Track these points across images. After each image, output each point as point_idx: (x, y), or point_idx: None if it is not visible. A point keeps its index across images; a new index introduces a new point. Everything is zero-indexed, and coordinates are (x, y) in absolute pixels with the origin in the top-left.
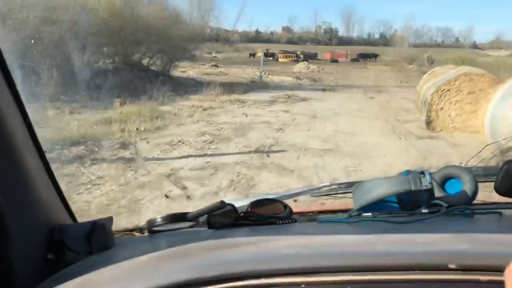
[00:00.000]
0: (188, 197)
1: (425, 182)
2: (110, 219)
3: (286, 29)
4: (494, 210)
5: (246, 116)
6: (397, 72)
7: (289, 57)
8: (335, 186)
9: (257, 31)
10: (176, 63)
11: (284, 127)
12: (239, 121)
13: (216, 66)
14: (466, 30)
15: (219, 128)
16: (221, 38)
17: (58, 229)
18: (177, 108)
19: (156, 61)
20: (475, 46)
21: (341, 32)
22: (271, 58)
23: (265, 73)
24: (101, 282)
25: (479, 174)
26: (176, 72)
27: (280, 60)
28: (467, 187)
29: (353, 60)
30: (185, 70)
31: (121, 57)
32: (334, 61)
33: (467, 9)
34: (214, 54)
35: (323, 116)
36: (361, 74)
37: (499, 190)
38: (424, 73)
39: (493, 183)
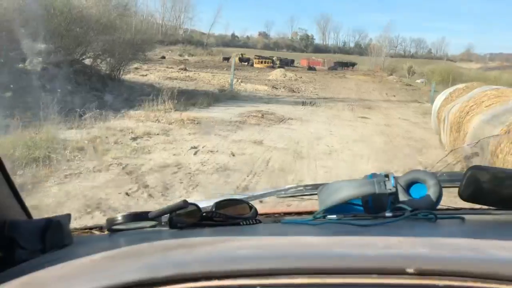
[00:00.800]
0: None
1: (389, 186)
2: (67, 216)
3: (263, 34)
4: (457, 215)
5: (195, 153)
6: (379, 83)
7: (265, 62)
8: (301, 188)
9: (233, 35)
10: (133, 65)
11: (252, 180)
12: (179, 163)
13: (185, 69)
14: (439, 42)
15: (134, 189)
16: (194, 40)
17: (8, 225)
18: (92, 134)
19: (101, 62)
20: (447, 58)
21: (317, 40)
22: (246, 63)
23: (237, 80)
24: (45, 282)
25: (444, 179)
26: (133, 76)
27: (255, 65)
28: (431, 192)
29: (331, 68)
30: (145, 73)
31: (54, 56)
32: (311, 68)
33: (440, 22)
34: (186, 57)
35: (310, 154)
36: (341, 85)
37: (462, 196)
38: (407, 85)
39: (457, 188)
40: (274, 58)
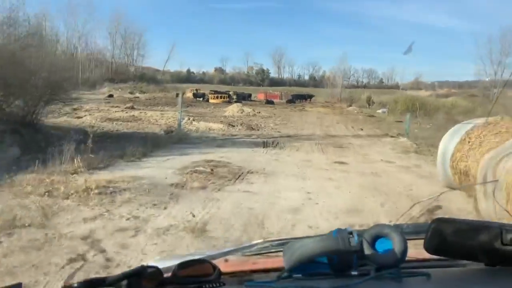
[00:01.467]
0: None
1: (353, 243)
2: (19, 285)
3: (219, 70)
4: (423, 271)
5: (72, 273)
6: (340, 115)
7: (221, 97)
8: (267, 244)
9: (188, 71)
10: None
11: None
12: None
13: (132, 108)
14: (389, 71)
15: None
16: (147, 77)
17: None
18: None
19: (12, 103)
20: (397, 87)
21: (273, 73)
22: (201, 99)
23: (189, 119)
24: None
25: (409, 232)
26: (65, 119)
27: (211, 101)
28: (397, 247)
29: (289, 101)
30: (84, 114)
31: None
32: (269, 102)
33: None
34: (137, 94)
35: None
36: (303, 118)
37: (428, 249)
38: (370, 116)
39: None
40: (230, 93)
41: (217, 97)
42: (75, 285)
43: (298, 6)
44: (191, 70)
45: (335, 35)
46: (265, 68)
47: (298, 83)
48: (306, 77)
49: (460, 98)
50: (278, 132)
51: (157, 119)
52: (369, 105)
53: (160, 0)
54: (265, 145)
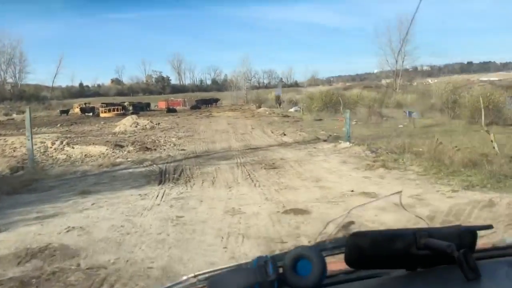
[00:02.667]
0: None
1: (270, 271)
2: None
3: (116, 81)
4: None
5: None
6: (252, 118)
7: (114, 110)
8: (193, 281)
9: (81, 85)
10: None
11: None
12: None
13: None
14: (288, 71)
15: None
16: (28, 95)
17: None
18: None
19: None
20: (297, 85)
21: (173, 80)
22: (90, 114)
23: (61, 142)
24: None
25: (327, 249)
26: None
27: (102, 115)
28: (316, 268)
29: (193, 107)
30: None
31: None
32: (171, 110)
33: (286, 54)
34: (14, 115)
35: None
36: (212, 127)
37: (349, 263)
38: (284, 116)
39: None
40: (125, 104)
41: (109, 110)
42: None
43: (193, 12)
44: (85, 84)
45: (232, 39)
46: (164, 76)
47: (201, 88)
48: (209, 82)
49: (361, 90)
50: (183, 150)
51: (16, 147)
52: (279, 104)
53: (41, 15)
54: (162, 178)
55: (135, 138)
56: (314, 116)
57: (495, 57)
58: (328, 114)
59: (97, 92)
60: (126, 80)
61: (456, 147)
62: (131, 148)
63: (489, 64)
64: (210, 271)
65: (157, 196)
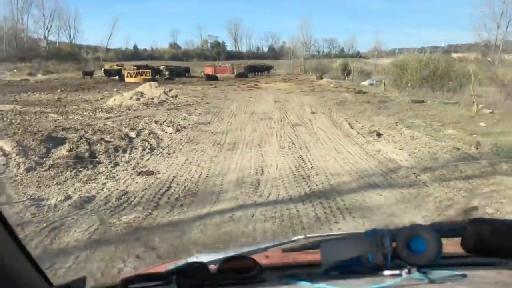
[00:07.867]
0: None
1: (386, 244)
2: (83, 278)
3: (173, 45)
4: (457, 271)
5: None
6: (312, 93)
7: (142, 74)
8: (305, 241)
9: (135, 47)
10: None
11: None
12: None
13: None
14: (350, 41)
15: None
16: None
17: None
18: None
19: None
20: (359, 56)
21: (229, 46)
22: (116, 78)
23: None
24: None
25: (444, 230)
26: None
27: (127, 79)
28: (431, 246)
29: (239, 75)
30: None
31: None
32: (211, 78)
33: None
34: (39, 76)
35: None
36: (248, 108)
37: (465, 248)
38: (358, 92)
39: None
40: (161, 68)
41: (136, 75)
42: (134, 277)
43: None
44: (144, 47)
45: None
46: (220, 41)
47: (257, 55)
48: (266, 49)
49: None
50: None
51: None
52: (347, 75)
53: None
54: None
55: (121, 124)
56: (406, 94)
57: None
58: (427, 92)
59: (152, 55)
60: (180, 43)
61: None
62: (104, 152)
63: None
64: (321, 235)
65: None
